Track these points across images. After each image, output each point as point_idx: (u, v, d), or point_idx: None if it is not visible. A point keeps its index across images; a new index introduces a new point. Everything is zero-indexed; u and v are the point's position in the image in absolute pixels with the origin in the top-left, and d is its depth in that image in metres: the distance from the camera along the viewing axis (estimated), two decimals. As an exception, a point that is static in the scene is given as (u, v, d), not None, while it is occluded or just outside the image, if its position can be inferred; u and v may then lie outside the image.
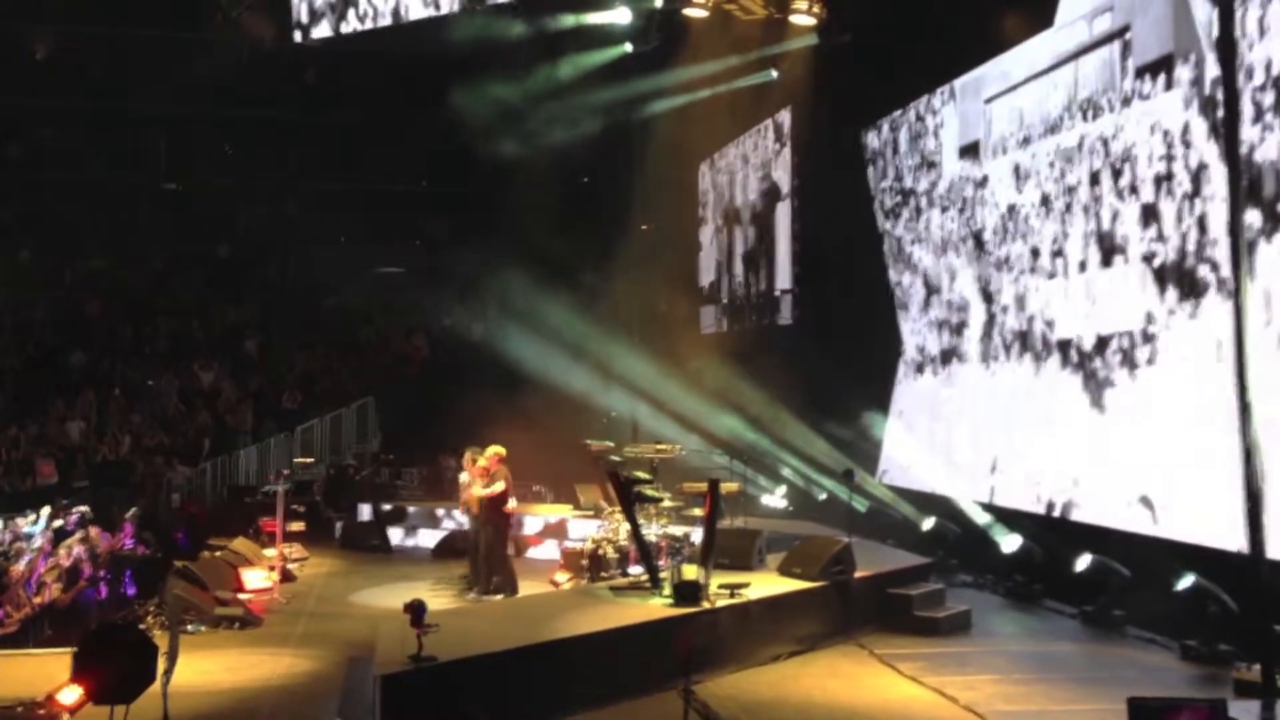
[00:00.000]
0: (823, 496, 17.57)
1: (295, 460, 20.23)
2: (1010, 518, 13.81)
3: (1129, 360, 11.74)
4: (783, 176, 20.54)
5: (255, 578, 13.98)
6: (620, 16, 19.48)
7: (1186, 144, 10.96)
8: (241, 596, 13.16)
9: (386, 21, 20.17)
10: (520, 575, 13.75)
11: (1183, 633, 10.70)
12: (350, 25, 20.40)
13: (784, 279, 20.46)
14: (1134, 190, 11.75)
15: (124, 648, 8.08)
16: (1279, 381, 9.64)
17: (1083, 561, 12.22)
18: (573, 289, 21.45)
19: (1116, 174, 12.04)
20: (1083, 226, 12.61)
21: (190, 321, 26.26)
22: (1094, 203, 12.41)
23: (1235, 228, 9.54)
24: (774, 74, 19.37)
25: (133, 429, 21.73)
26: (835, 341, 17.58)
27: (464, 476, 14.10)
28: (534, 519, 17.26)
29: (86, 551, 12.59)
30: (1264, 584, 8.69)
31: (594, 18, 19.64)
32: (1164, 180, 11.28)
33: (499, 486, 13.25)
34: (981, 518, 14.24)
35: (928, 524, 15.28)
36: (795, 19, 16.88)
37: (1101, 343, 12.20)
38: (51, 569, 12.22)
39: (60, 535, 13.05)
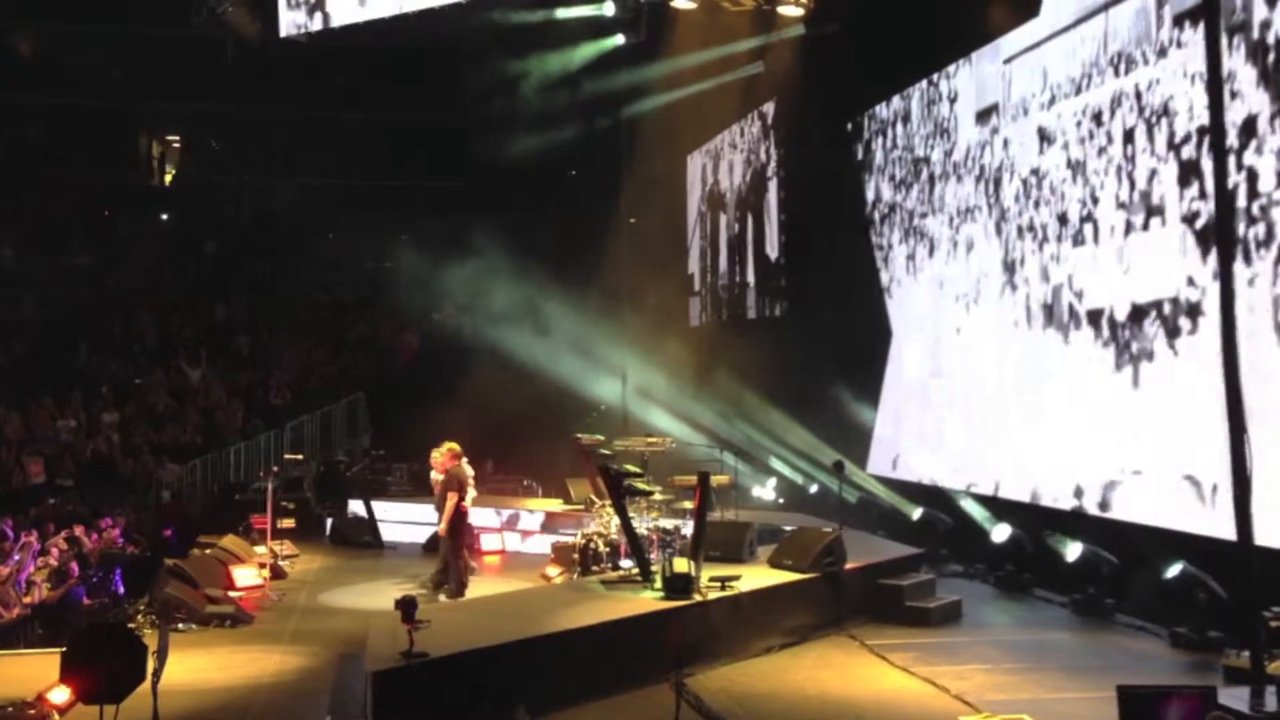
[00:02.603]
0: (813, 488, 17.58)
1: (285, 457, 20.21)
2: (1006, 507, 13.82)
3: (1168, 329, 11.11)
4: (770, 168, 20.54)
5: (246, 575, 13.96)
6: (606, 9, 19.45)
7: (1233, 93, 10.23)
8: (232, 594, 13.14)
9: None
10: (511, 570, 13.69)
11: (1173, 620, 10.75)
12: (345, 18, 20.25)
13: (772, 270, 20.46)
14: (1173, 147, 11.10)
15: (113, 647, 8.04)
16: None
17: (1073, 551, 12.25)
18: (562, 283, 21.43)
19: (1152, 130, 11.40)
20: (1115, 189, 11.93)
21: (178, 319, 26.15)
22: (1127, 162, 11.74)
23: (1222, 204, 9.37)
24: (760, 66, 19.38)
25: (122, 427, 21.65)
26: (824, 332, 17.56)
27: (435, 474, 14.14)
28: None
29: (74, 551, 12.56)
30: (1253, 571, 8.70)
31: (580, 10, 19.61)
32: (1207, 134, 10.44)
33: (451, 499, 13.13)
34: (975, 507, 14.26)
35: (916, 514, 15.32)
36: (783, 9, 16.91)
37: (1137, 312, 11.55)
38: (41, 569, 12.18)
39: (43, 536, 13.03)
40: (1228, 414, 8.73)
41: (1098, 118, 12.27)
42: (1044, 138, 13.27)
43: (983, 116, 14.53)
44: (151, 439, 21.53)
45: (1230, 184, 10.26)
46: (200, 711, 9.10)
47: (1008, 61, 13.98)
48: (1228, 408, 8.74)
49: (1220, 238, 9.29)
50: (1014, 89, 13.85)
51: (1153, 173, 11.44)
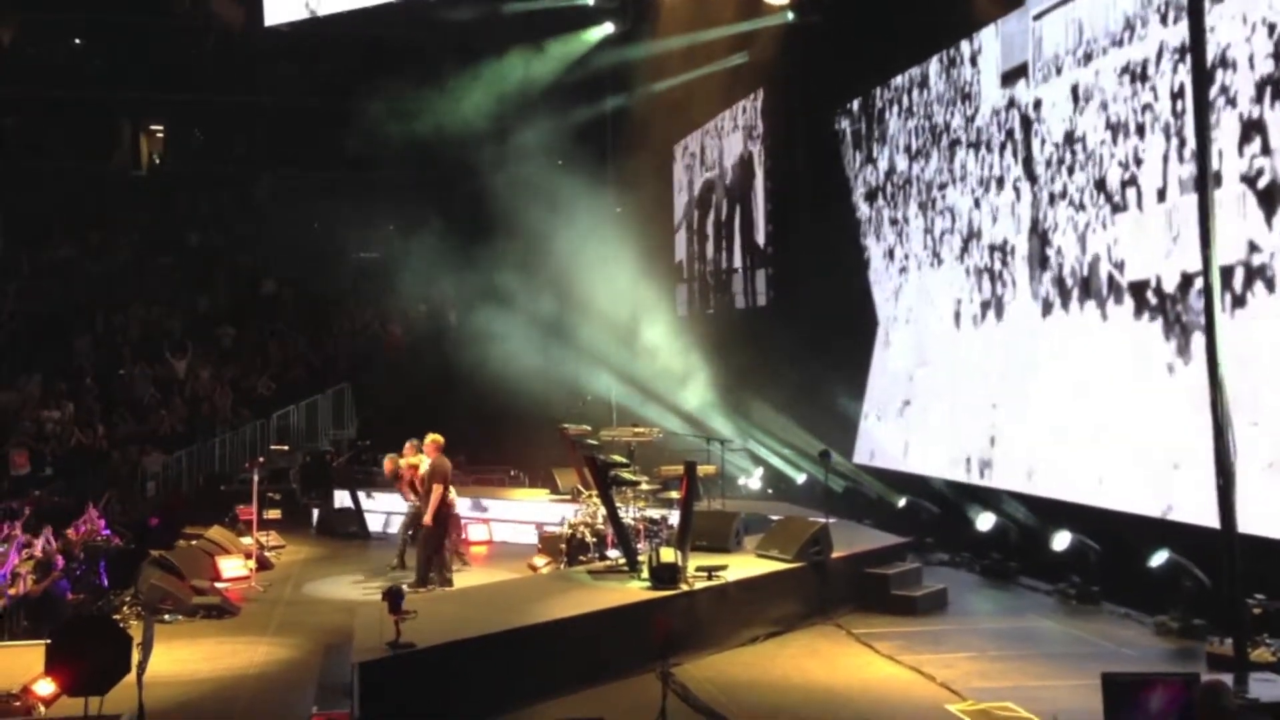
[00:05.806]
0: (800, 478, 17.62)
1: (271, 448, 20.15)
2: (992, 496, 13.85)
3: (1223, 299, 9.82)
4: (757, 155, 20.52)
5: (232, 566, 13.94)
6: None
7: None
8: (218, 585, 13.09)
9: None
10: (498, 561, 13.65)
11: (1158, 608, 10.80)
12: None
13: (759, 259, 20.45)
14: (1231, 102, 10.19)
15: (97, 639, 8.02)
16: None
17: (1061, 540, 12.30)
18: (550, 273, 21.38)
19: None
20: (1161, 149, 11.04)
21: (162, 310, 26.02)
22: (1175, 120, 10.84)
23: (1204, 177, 9.24)
24: (745, 56, 19.38)
25: (107, 418, 21.57)
26: (811, 321, 17.57)
27: (403, 462, 14.09)
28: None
29: (58, 544, 12.50)
30: (1236, 558, 8.74)
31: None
32: (1271, 84, 9.73)
33: (437, 491, 12.93)
34: (961, 496, 14.30)
35: (902, 503, 15.36)
36: (769, -1, 16.95)
37: (1187, 281, 10.70)
38: (26, 560, 12.12)
39: (26, 528, 12.97)
40: (1211, 404, 8.75)
41: (1142, 73, 11.38)
42: (1079, 97, 12.37)
43: (1009, 78, 13.63)
44: (136, 430, 21.45)
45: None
46: (186, 703, 9.08)
47: (1038, 18, 13.06)
48: (1210, 398, 8.76)
49: (1203, 224, 9.21)
50: (1045, 46, 12.92)
51: None
